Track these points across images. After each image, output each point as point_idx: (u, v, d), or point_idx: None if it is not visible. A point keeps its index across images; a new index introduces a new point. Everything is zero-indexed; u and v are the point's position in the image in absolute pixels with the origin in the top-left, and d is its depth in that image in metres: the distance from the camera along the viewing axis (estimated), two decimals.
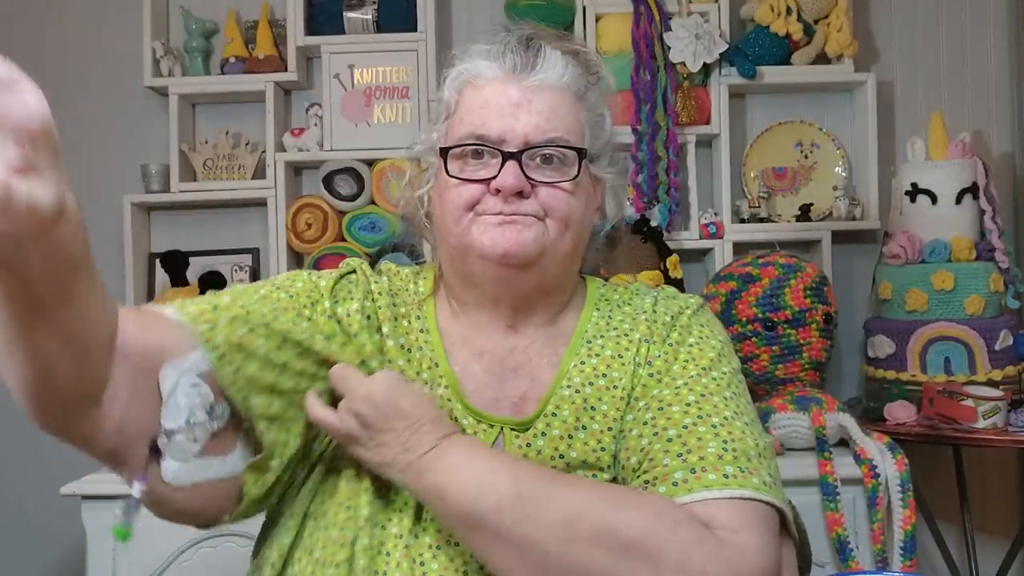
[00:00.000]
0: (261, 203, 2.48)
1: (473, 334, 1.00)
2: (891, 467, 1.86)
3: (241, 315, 0.90)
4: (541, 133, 0.93)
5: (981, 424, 1.98)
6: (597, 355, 0.98)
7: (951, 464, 2.28)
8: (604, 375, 0.96)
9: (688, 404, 0.91)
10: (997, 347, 2.12)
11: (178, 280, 2.34)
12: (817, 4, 2.43)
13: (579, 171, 0.94)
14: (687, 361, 0.95)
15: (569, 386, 0.96)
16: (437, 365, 0.97)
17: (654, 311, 1.00)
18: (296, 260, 2.51)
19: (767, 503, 0.85)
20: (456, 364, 0.98)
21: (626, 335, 0.99)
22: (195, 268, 2.41)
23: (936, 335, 2.13)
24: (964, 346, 2.12)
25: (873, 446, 1.90)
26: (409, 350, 0.98)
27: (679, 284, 2.25)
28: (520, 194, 0.92)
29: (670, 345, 0.97)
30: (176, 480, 0.82)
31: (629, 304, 1.03)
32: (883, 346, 2.20)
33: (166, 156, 2.48)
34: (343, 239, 2.46)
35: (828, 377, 2.29)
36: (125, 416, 0.79)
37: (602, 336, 0.99)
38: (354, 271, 1.02)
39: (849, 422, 1.96)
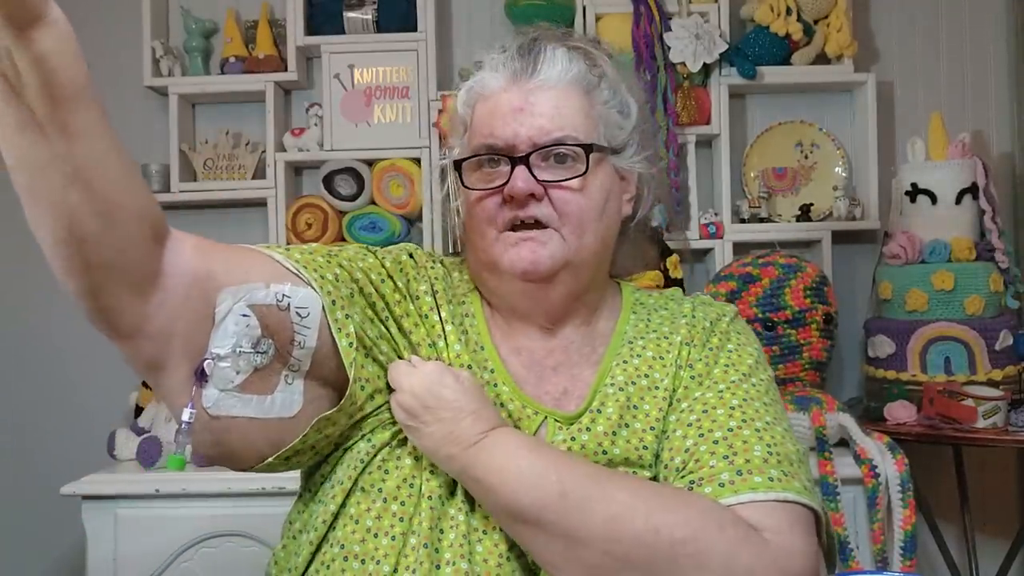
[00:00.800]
0: (261, 203, 2.48)
1: (510, 332, 1.01)
2: (891, 467, 1.86)
3: (346, 271, 0.92)
4: (545, 134, 0.93)
5: (981, 424, 1.98)
6: (639, 356, 0.99)
7: (951, 464, 2.28)
8: (646, 375, 0.98)
9: (732, 408, 0.92)
10: (997, 347, 2.12)
11: None
12: (817, 4, 2.43)
13: (587, 167, 0.94)
14: (727, 366, 0.97)
15: (612, 384, 0.97)
16: (483, 348, 0.99)
17: (693, 316, 1.02)
18: None
19: (808, 507, 0.87)
20: (500, 351, 1.00)
21: (666, 338, 1.01)
22: None
23: (936, 335, 2.14)
24: (964, 346, 2.12)
25: (873, 446, 1.90)
26: (464, 332, 1.00)
27: (679, 284, 2.25)
28: (533, 197, 0.93)
29: (710, 349, 0.99)
30: (216, 409, 0.82)
31: (666, 308, 1.05)
32: (883, 346, 2.21)
33: (166, 156, 2.48)
34: (343, 239, 2.46)
35: (828, 377, 2.29)
36: (173, 327, 0.79)
37: (642, 338, 1.01)
38: (411, 254, 1.03)
39: (849, 422, 1.96)
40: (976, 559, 2.20)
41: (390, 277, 0.97)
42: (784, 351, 2.11)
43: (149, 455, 2.02)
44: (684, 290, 2.23)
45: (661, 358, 0.99)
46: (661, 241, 2.28)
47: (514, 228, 0.95)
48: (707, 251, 2.47)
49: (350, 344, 0.88)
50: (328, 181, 2.43)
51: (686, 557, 0.80)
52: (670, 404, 0.96)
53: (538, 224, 0.94)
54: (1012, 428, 1.99)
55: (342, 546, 0.90)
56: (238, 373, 0.82)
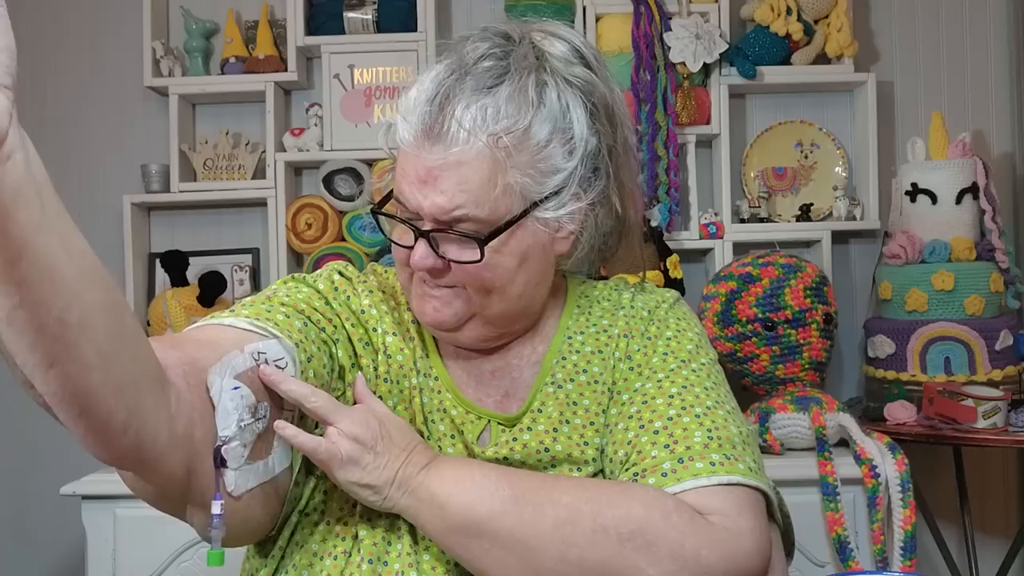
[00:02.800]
0: (261, 203, 2.48)
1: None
2: (891, 467, 1.86)
3: (292, 308, 0.91)
4: (444, 213, 0.88)
5: (981, 424, 1.98)
6: (577, 352, 0.99)
7: (951, 464, 2.28)
8: (585, 370, 0.98)
9: (671, 396, 0.92)
10: (997, 347, 2.12)
11: (178, 280, 2.34)
12: (817, 4, 2.43)
13: (482, 256, 0.89)
14: (666, 354, 0.97)
15: (552, 382, 0.98)
16: (427, 356, 0.99)
17: (632, 306, 1.02)
18: (296, 260, 2.52)
19: (754, 488, 0.87)
20: (443, 357, 1.00)
21: (605, 331, 1.00)
22: (195, 268, 2.41)
23: (936, 335, 2.14)
24: (964, 346, 2.12)
25: (873, 446, 1.90)
26: (412, 339, 1.00)
27: (679, 284, 2.25)
28: (435, 269, 0.91)
29: (649, 339, 0.99)
30: (238, 489, 0.81)
31: (608, 299, 1.04)
32: (883, 346, 2.21)
33: (166, 156, 2.48)
34: (343, 239, 2.46)
35: (828, 377, 2.29)
36: (191, 418, 0.76)
37: (582, 332, 1.01)
38: (340, 272, 1.02)
39: (849, 422, 1.96)
40: (976, 559, 2.20)
41: (328, 301, 0.97)
42: (784, 351, 2.11)
43: None
44: (684, 290, 2.24)
45: (600, 352, 0.99)
46: (661, 241, 2.29)
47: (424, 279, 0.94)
48: (707, 251, 2.47)
49: (315, 375, 0.89)
50: (328, 181, 2.43)
51: (636, 551, 0.81)
52: (611, 398, 0.96)
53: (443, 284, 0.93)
54: (1012, 428, 1.99)
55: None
56: (246, 447, 0.82)
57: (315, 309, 0.94)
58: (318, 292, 0.97)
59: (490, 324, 0.95)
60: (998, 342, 2.12)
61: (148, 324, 2.37)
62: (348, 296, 0.99)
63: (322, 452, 0.85)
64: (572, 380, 0.98)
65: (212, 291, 2.28)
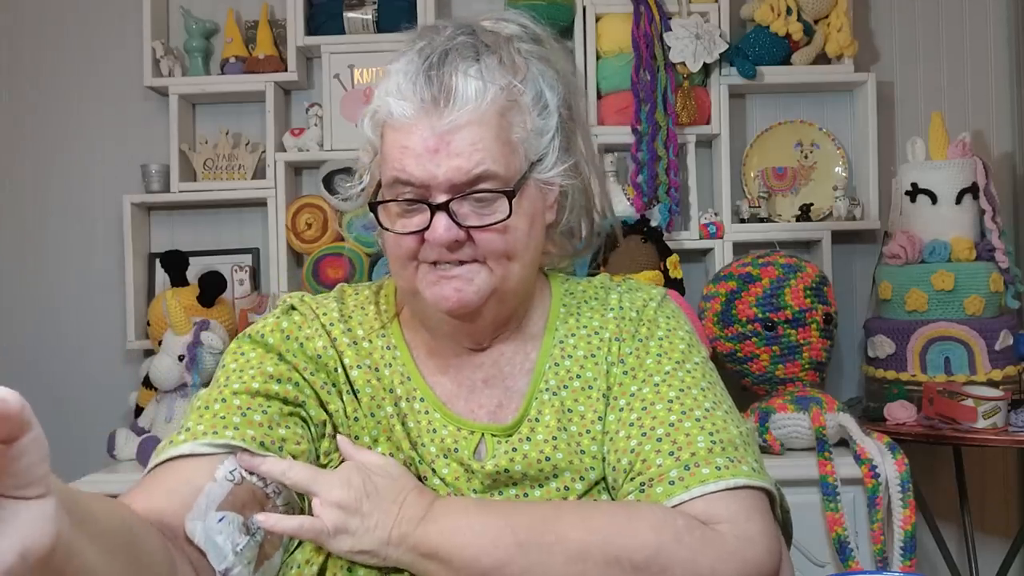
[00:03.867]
0: (261, 203, 2.48)
1: (437, 348, 0.98)
2: (891, 467, 1.86)
3: (246, 395, 0.89)
4: (464, 174, 0.86)
5: (981, 424, 1.98)
6: (570, 356, 0.98)
7: (951, 464, 2.28)
8: (579, 376, 0.97)
9: (670, 401, 0.91)
10: (997, 347, 2.12)
11: (178, 280, 2.34)
12: (817, 4, 2.43)
13: (511, 211, 0.88)
14: (659, 355, 0.96)
15: (547, 388, 0.96)
16: (410, 379, 0.96)
17: (620, 307, 1.00)
18: (296, 260, 2.52)
19: (758, 488, 0.87)
20: (426, 376, 0.97)
21: (596, 333, 0.99)
22: (195, 268, 2.41)
23: (936, 335, 2.14)
24: (964, 346, 2.12)
25: (873, 446, 1.90)
26: (377, 369, 0.96)
27: (679, 284, 2.25)
28: (456, 242, 0.88)
29: (640, 341, 0.97)
30: None
31: (595, 299, 1.02)
32: (883, 346, 2.21)
33: (166, 156, 2.48)
34: (342, 239, 2.46)
35: (828, 377, 2.29)
36: (200, 565, 0.78)
37: (573, 335, 0.99)
38: (293, 307, 0.98)
39: (849, 422, 1.96)
40: (976, 559, 2.20)
41: (281, 356, 0.93)
42: (784, 351, 2.11)
43: (149, 455, 2.02)
44: (684, 290, 2.24)
45: (593, 356, 0.97)
46: (660, 240, 2.29)
47: (435, 262, 0.90)
48: (707, 251, 2.47)
49: (298, 456, 0.88)
50: (328, 181, 2.43)
51: None
52: (607, 404, 0.95)
53: (462, 262, 0.89)
54: (1012, 428, 1.99)
55: None
56: (250, 563, 0.81)
57: (270, 377, 0.90)
58: (268, 349, 0.93)
59: (504, 303, 0.93)
60: (998, 342, 2.12)
61: (148, 324, 2.37)
62: (301, 343, 0.95)
63: (307, 531, 0.83)
64: (566, 387, 0.96)
65: (212, 291, 2.28)
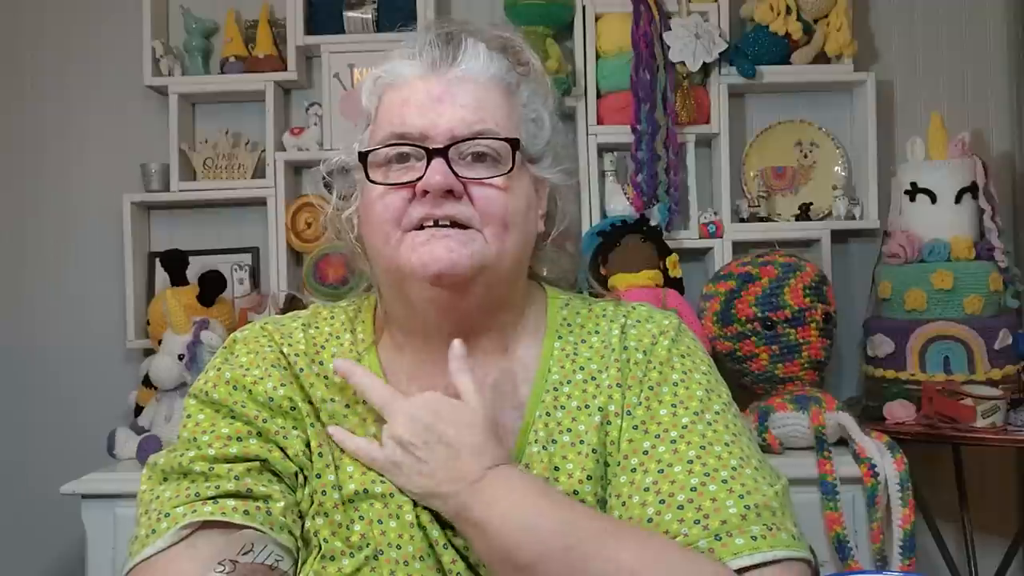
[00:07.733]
0: (261, 202, 2.48)
1: (419, 371, 0.91)
2: (890, 466, 1.86)
3: (203, 461, 0.83)
4: (467, 126, 0.84)
5: (980, 423, 1.98)
6: (563, 407, 0.89)
7: (951, 463, 2.28)
8: (569, 430, 0.88)
9: (690, 462, 0.82)
10: (996, 346, 2.12)
11: (178, 279, 2.34)
12: (817, 4, 2.43)
13: (513, 164, 0.85)
14: (675, 406, 0.86)
15: (536, 441, 0.88)
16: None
17: (624, 347, 0.91)
18: (296, 259, 2.52)
19: (798, 559, 0.78)
20: None
21: (593, 378, 0.90)
22: (195, 267, 2.41)
23: (935, 334, 2.14)
24: (963, 345, 2.12)
25: (872, 445, 1.90)
26: (349, 406, 0.90)
27: (679, 283, 2.25)
28: (451, 194, 0.83)
29: (651, 388, 0.88)
30: None
31: (595, 333, 0.93)
32: (882, 345, 2.21)
33: (166, 155, 2.48)
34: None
35: (827, 376, 2.30)
36: None
37: (568, 382, 0.90)
38: (236, 341, 0.92)
39: (848, 421, 1.96)
40: (975, 559, 2.20)
41: (233, 413, 0.86)
42: (783, 350, 2.11)
43: (149, 454, 2.02)
44: (683, 289, 2.24)
45: (586, 407, 0.88)
46: (660, 240, 2.29)
47: (422, 227, 0.84)
48: (706, 250, 2.47)
49: (284, 510, 0.83)
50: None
51: None
52: (600, 462, 0.86)
53: (455, 225, 0.83)
54: (1011, 428, 1.99)
55: None
56: None
57: (228, 438, 0.84)
58: (217, 408, 0.87)
59: (492, 289, 0.87)
60: (997, 341, 2.13)
61: (148, 323, 2.37)
62: (249, 390, 0.87)
63: (363, 454, 0.83)
64: (555, 441, 0.87)
65: (212, 290, 2.28)
